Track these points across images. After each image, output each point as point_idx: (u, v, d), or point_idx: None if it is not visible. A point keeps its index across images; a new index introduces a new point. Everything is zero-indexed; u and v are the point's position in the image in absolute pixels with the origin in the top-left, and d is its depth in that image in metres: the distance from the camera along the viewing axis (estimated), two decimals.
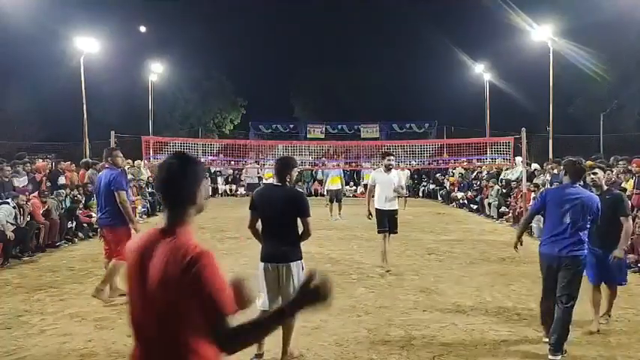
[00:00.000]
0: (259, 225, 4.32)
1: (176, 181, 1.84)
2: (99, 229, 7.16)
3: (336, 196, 14.28)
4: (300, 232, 4.26)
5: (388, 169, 7.57)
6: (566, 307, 4.28)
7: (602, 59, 23.58)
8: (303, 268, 4.24)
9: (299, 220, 4.23)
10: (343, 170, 18.23)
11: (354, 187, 23.26)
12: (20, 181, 10.01)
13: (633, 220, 8.18)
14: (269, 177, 19.97)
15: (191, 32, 33.86)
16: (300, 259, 4.24)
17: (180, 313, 1.68)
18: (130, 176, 14.70)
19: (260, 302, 4.12)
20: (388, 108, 35.87)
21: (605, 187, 5.12)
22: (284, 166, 4.31)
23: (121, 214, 5.86)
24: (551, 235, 4.39)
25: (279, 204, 4.18)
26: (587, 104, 27.18)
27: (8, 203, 8.51)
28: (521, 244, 4.78)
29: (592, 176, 5.07)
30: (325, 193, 15.41)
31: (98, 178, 6.28)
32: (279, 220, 4.20)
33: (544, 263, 4.49)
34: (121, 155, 6.45)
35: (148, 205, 14.87)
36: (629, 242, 5.36)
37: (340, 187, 14.79)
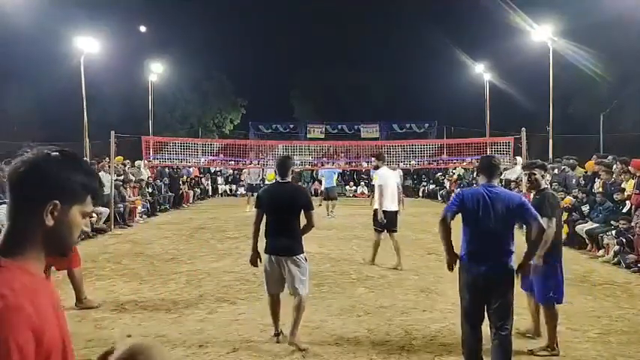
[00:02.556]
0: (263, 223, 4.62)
1: (22, 182, 1.20)
2: None
3: (328, 194, 14.65)
4: (302, 226, 4.57)
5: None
6: (504, 334, 3.60)
7: (602, 59, 23.56)
8: (306, 260, 4.58)
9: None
10: (343, 170, 18.36)
11: (354, 187, 23.28)
12: None
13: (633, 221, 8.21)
14: (272, 178, 20.24)
15: (191, 32, 33.88)
16: (303, 252, 4.55)
17: None
18: (130, 176, 14.72)
19: (268, 288, 4.59)
20: (388, 108, 35.94)
21: (542, 187, 4.59)
22: (286, 163, 4.71)
23: None
24: (473, 247, 3.67)
25: (285, 199, 4.53)
26: (587, 104, 27.17)
27: (6, 203, 8.49)
28: (457, 259, 3.79)
29: (531, 177, 4.57)
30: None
31: None
32: (285, 215, 4.49)
33: (467, 282, 3.70)
34: None
35: (148, 205, 14.87)
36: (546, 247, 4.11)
37: (333, 185, 15.14)
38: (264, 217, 4.58)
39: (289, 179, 4.67)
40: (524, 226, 3.98)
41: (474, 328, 3.71)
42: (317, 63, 39.12)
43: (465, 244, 3.74)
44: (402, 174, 15.65)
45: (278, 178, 4.71)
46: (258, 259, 4.63)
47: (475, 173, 3.63)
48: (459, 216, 3.80)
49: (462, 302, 3.80)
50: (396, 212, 7.86)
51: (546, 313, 4.44)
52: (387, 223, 7.68)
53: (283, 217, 4.48)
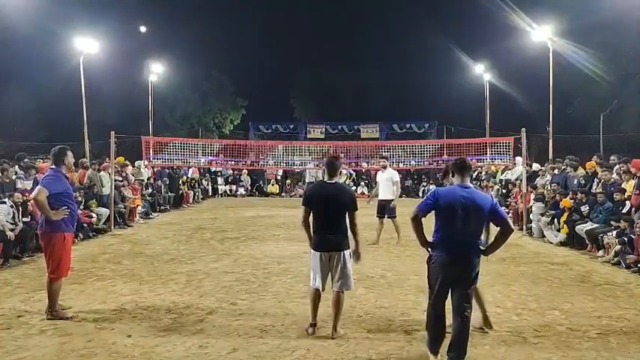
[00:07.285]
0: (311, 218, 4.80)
1: None
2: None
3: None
4: (350, 227, 4.75)
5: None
6: (467, 319, 4.00)
7: (602, 59, 23.59)
8: (350, 256, 4.75)
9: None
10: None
11: (354, 188, 23.25)
12: (25, 184, 9.92)
13: (633, 222, 8.20)
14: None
15: (191, 32, 33.93)
16: (349, 248, 4.74)
17: None
18: (130, 176, 14.72)
19: (314, 282, 4.77)
20: (388, 108, 35.95)
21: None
22: (335, 165, 4.89)
23: (53, 221, 5.24)
24: (447, 241, 4.03)
25: (332, 198, 4.70)
26: (587, 104, 27.19)
27: (5, 202, 8.46)
28: (430, 249, 4.20)
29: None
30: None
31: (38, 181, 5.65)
32: (332, 213, 4.71)
33: (440, 270, 4.03)
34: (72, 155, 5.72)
35: (148, 206, 14.85)
36: None
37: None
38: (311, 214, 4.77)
39: (336, 179, 4.87)
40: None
41: (438, 307, 4.05)
42: (317, 63, 39.18)
43: (440, 235, 4.07)
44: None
45: (326, 178, 4.91)
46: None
47: (450, 174, 4.16)
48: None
49: (430, 289, 4.13)
50: (385, 201, 9.78)
51: (477, 292, 4.95)
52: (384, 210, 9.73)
53: (330, 216, 4.70)
